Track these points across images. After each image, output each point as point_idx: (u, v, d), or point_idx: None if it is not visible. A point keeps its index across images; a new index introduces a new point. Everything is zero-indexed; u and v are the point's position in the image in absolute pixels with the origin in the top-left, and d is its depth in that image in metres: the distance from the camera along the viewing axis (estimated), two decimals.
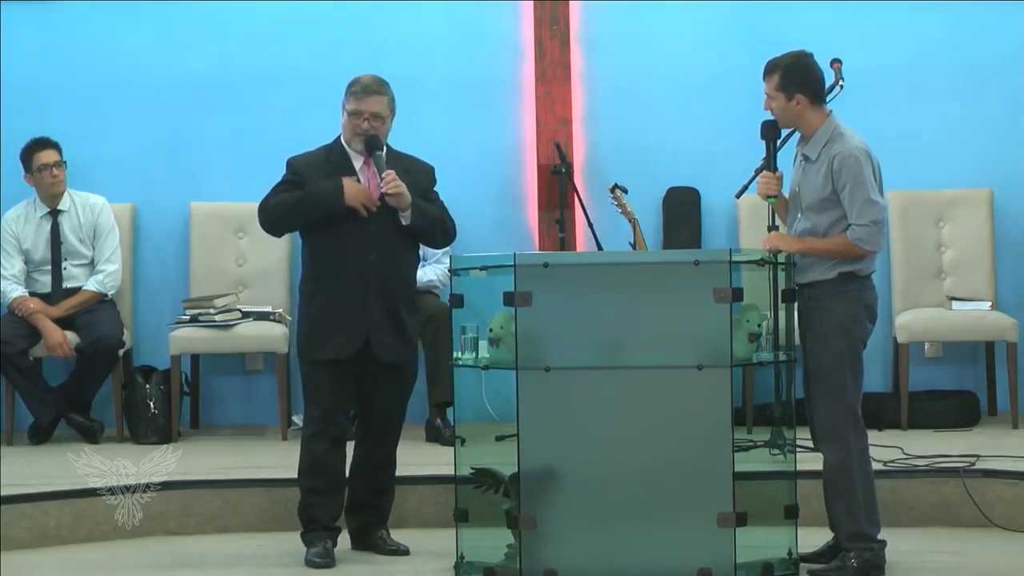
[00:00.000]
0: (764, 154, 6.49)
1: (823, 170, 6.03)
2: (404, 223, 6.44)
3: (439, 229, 6.58)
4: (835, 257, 6.02)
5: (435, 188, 6.66)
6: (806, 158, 6.11)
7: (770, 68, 6.11)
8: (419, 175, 6.57)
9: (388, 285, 6.44)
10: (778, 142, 6.32)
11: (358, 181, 6.46)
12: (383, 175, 6.40)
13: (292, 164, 6.57)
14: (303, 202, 6.43)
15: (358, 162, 6.51)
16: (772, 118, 6.21)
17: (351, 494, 6.59)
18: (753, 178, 6.72)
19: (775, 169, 6.27)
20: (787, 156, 6.33)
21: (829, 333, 6.02)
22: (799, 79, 6.07)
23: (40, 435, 8.28)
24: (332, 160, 6.51)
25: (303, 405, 6.60)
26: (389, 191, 6.38)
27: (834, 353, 6.01)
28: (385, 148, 6.51)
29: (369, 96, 6.47)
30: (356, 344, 6.42)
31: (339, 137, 6.57)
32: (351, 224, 6.40)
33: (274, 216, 6.50)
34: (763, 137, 6.30)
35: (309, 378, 6.53)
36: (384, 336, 6.44)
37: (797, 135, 6.27)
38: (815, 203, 6.05)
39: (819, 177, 6.04)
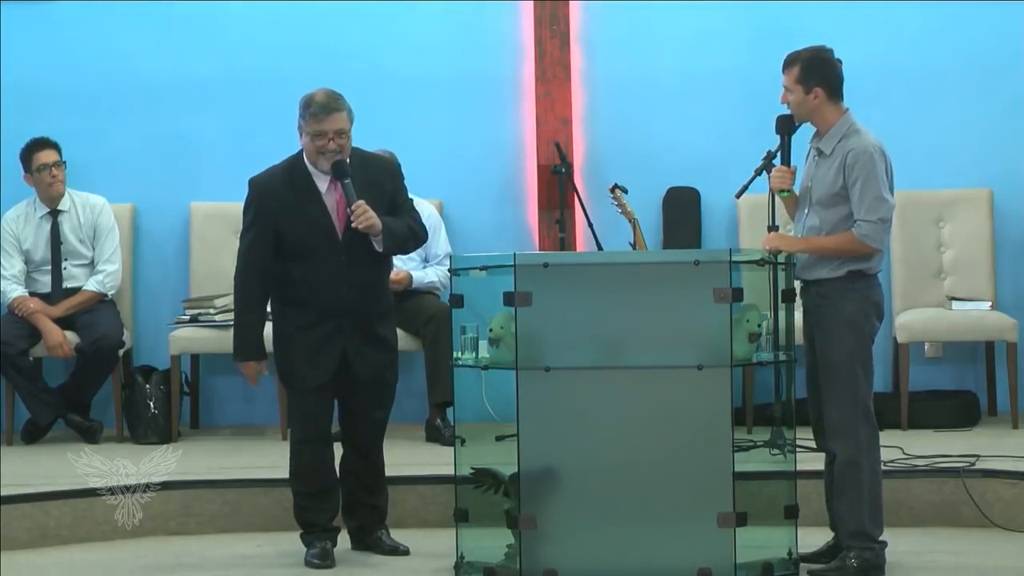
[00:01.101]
0: (764, 154, 6.50)
1: (836, 165, 6.03)
2: (378, 249, 6.36)
3: (411, 241, 6.53)
4: (838, 255, 6.02)
5: (403, 181, 6.55)
6: (820, 152, 6.11)
7: (790, 61, 6.11)
8: (385, 180, 6.47)
9: (362, 309, 6.40)
10: (791, 137, 6.32)
11: (325, 207, 6.36)
12: (352, 207, 6.28)
13: (254, 188, 6.42)
14: (235, 325, 6.62)
15: (322, 183, 6.38)
16: (787, 112, 6.21)
17: (345, 496, 6.59)
18: (753, 178, 6.72)
19: (789, 164, 6.27)
20: (797, 153, 6.32)
21: (840, 330, 6.01)
22: (819, 73, 6.08)
23: (34, 434, 8.28)
24: (295, 183, 6.38)
25: (289, 410, 6.63)
26: (359, 225, 6.26)
27: (845, 350, 6.01)
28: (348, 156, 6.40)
29: (330, 115, 6.31)
30: (331, 370, 6.39)
31: (300, 154, 6.43)
32: (322, 256, 6.33)
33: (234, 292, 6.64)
34: (778, 131, 6.30)
35: (290, 390, 6.57)
36: (362, 356, 6.41)
37: (798, 135, 6.29)
38: (825, 198, 6.05)
39: (832, 172, 6.04)
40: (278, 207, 6.36)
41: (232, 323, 8.20)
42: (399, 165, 6.59)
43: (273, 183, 6.41)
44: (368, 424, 6.56)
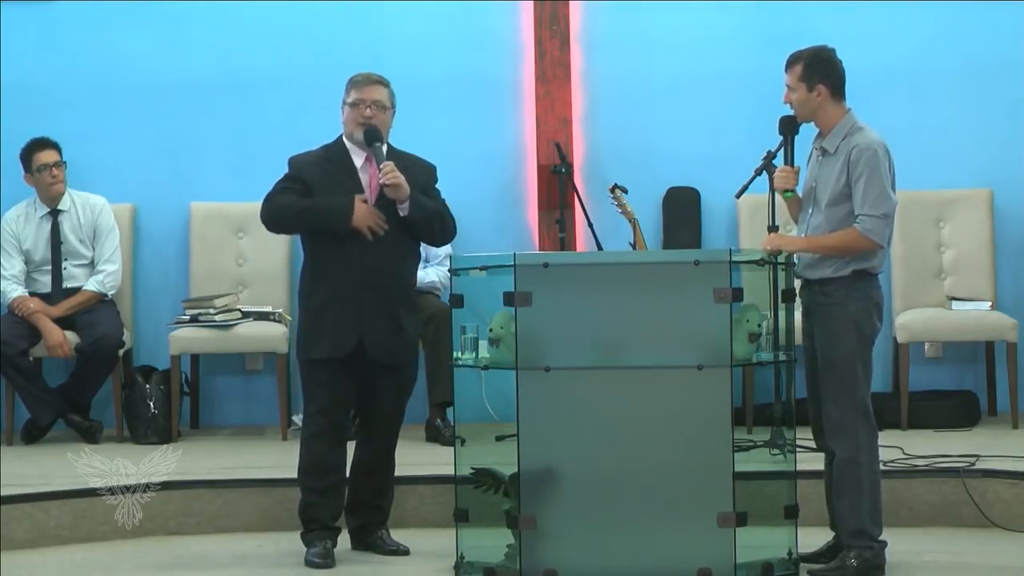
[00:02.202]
0: (764, 154, 6.51)
1: (840, 162, 6.04)
2: (402, 214, 6.41)
3: (438, 223, 6.54)
4: (841, 253, 6.03)
5: (436, 186, 6.65)
6: (824, 151, 6.12)
7: (792, 60, 6.14)
8: (419, 173, 6.55)
9: (384, 286, 6.43)
10: (795, 138, 6.32)
11: (359, 180, 6.45)
12: (381, 166, 6.38)
13: (293, 163, 6.56)
14: (311, 212, 6.42)
15: (359, 159, 6.49)
16: (790, 113, 6.22)
17: (351, 494, 6.59)
18: (753, 178, 6.72)
19: (792, 164, 6.27)
20: (799, 154, 6.32)
21: (842, 329, 6.02)
22: (821, 71, 6.10)
23: (34, 434, 8.28)
24: (332, 158, 6.50)
25: (303, 405, 6.61)
26: (387, 181, 6.35)
27: (847, 349, 6.01)
28: (386, 145, 6.50)
29: (371, 85, 6.50)
30: (349, 344, 6.40)
31: (340, 136, 6.56)
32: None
33: (278, 215, 6.49)
34: (781, 132, 6.30)
35: (307, 377, 6.53)
36: (379, 337, 6.43)
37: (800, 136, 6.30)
38: (831, 196, 6.06)
39: (836, 169, 6.05)
40: (313, 176, 6.45)
41: (232, 323, 8.29)
42: (435, 167, 6.64)
43: (310, 157, 6.54)
44: (382, 421, 6.56)
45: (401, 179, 6.37)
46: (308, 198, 6.43)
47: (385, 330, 6.44)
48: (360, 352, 6.42)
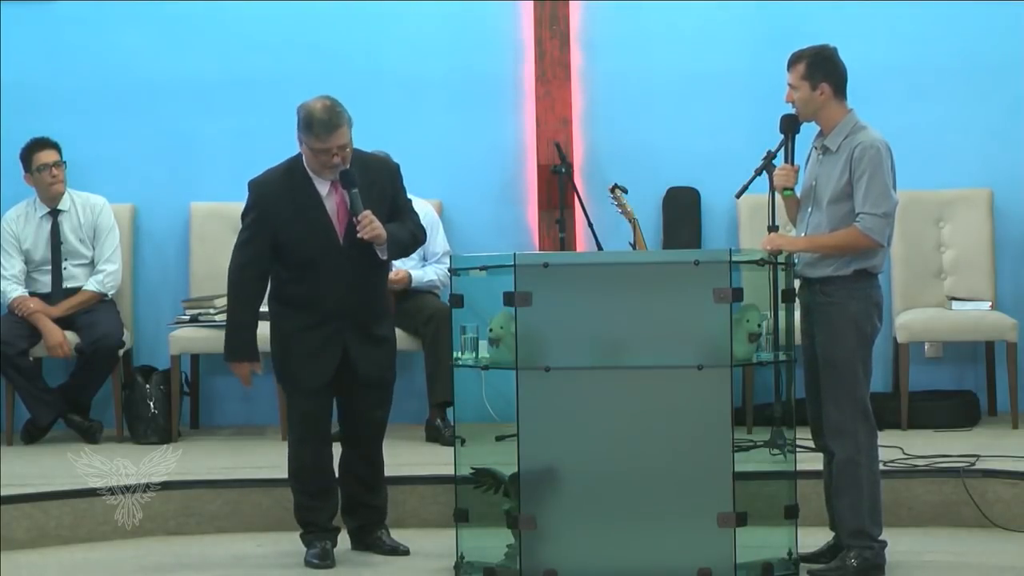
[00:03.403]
0: (764, 154, 6.51)
1: (843, 160, 6.04)
2: (382, 257, 6.35)
3: (412, 246, 6.57)
4: (841, 252, 6.03)
5: (402, 182, 6.53)
6: (826, 149, 6.12)
7: (795, 58, 6.14)
8: (385, 182, 6.44)
9: (361, 309, 6.39)
10: (795, 136, 6.32)
11: (326, 212, 6.33)
12: (359, 217, 6.24)
13: (256, 194, 6.40)
14: (228, 320, 6.47)
15: (323, 187, 6.34)
16: (791, 112, 6.22)
17: (345, 496, 6.59)
18: (753, 178, 6.72)
19: (792, 163, 6.27)
20: (799, 154, 6.32)
21: (842, 329, 6.02)
22: (824, 69, 6.10)
23: (34, 434, 8.28)
24: (295, 188, 6.34)
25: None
26: (365, 236, 6.24)
27: (847, 349, 6.01)
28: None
29: (333, 133, 6.23)
30: (331, 371, 6.38)
31: (300, 157, 6.39)
32: (324, 261, 6.31)
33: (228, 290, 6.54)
34: (782, 131, 6.30)
35: (286, 388, 6.58)
36: (362, 355, 6.41)
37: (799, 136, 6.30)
38: (832, 194, 6.06)
39: (838, 168, 6.05)
40: (278, 212, 6.34)
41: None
42: (398, 166, 6.58)
43: (273, 187, 6.38)
44: (368, 424, 6.56)
45: (379, 230, 6.25)
46: (251, 298, 6.40)
47: (367, 347, 6.43)
48: (343, 369, 6.41)
